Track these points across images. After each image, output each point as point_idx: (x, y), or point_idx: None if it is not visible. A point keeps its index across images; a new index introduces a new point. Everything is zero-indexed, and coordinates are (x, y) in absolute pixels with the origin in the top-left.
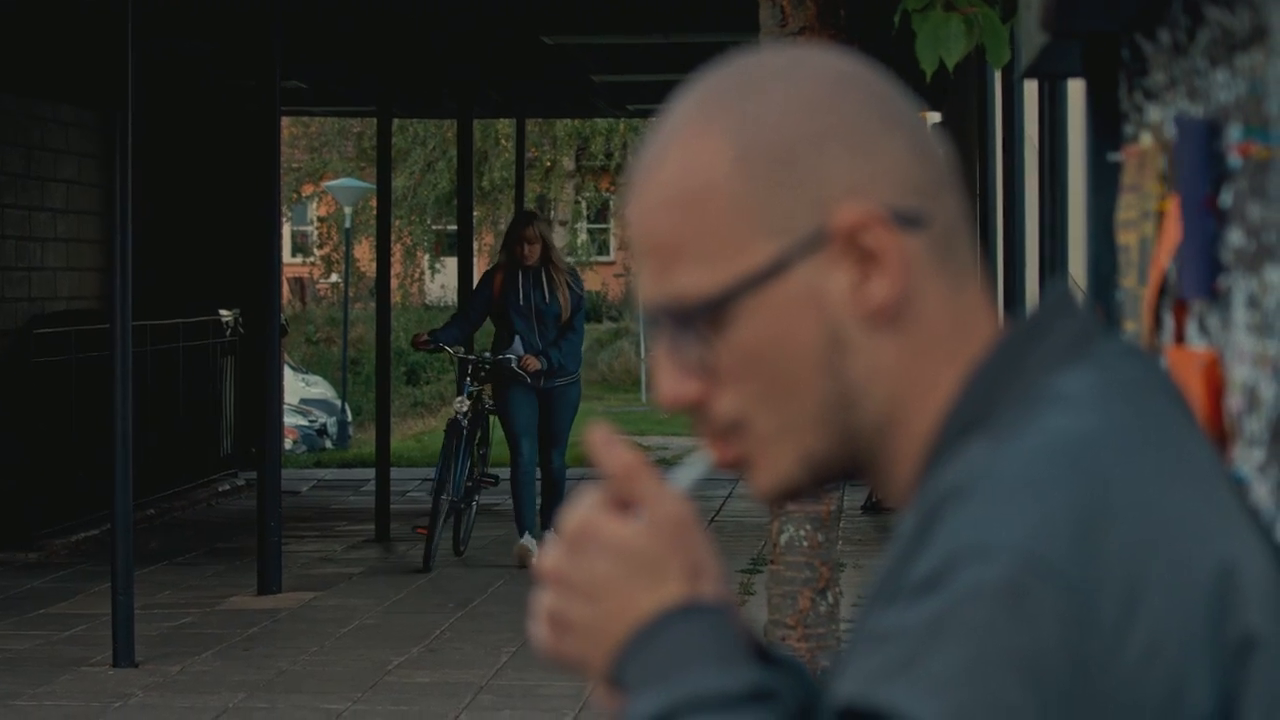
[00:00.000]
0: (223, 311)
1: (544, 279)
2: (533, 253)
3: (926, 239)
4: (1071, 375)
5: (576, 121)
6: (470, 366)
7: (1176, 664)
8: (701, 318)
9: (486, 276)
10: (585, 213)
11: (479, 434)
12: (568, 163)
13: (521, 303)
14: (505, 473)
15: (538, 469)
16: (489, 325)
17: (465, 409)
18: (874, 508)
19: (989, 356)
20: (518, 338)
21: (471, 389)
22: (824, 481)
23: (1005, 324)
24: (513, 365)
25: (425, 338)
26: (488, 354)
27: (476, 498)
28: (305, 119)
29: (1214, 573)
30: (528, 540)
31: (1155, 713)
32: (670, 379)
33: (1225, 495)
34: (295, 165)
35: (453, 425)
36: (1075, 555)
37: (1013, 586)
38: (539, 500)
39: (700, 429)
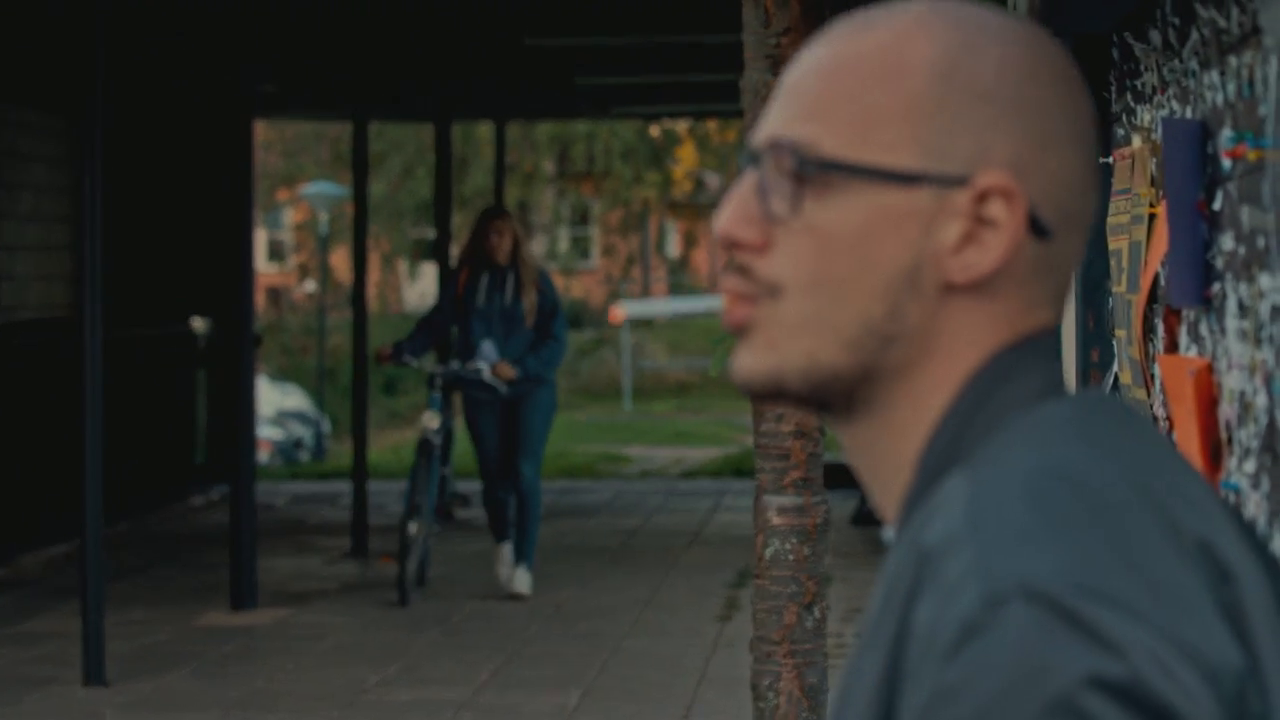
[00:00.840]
0: (195, 321)
1: (511, 279)
2: (502, 246)
3: (1038, 250)
4: (1049, 406)
5: (557, 126)
6: (439, 380)
7: None
8: (815, 173)
9: (450, 276)
10: (567, 218)
11: (445, 455)
12: (549, 167)
13: (483, 304)
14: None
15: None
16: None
17: (436, 426)
18: (864, 520)
19: (966, 391)
20: (487, 342)
21: (442, 403)
22: (804, 399)
23: (984, 362)
24: (485, 376)
25: (389, 352)
26: (456, 364)
27: (439, 526)
28: (280, 123)
29: (1217, 575)
30: (503, 550)
31: None
32: (735, 213)
33: (1221, 515)
34: (270, 170)
35: (423, 445)
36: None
37: (1071, 614)
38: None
39: (727, 277)
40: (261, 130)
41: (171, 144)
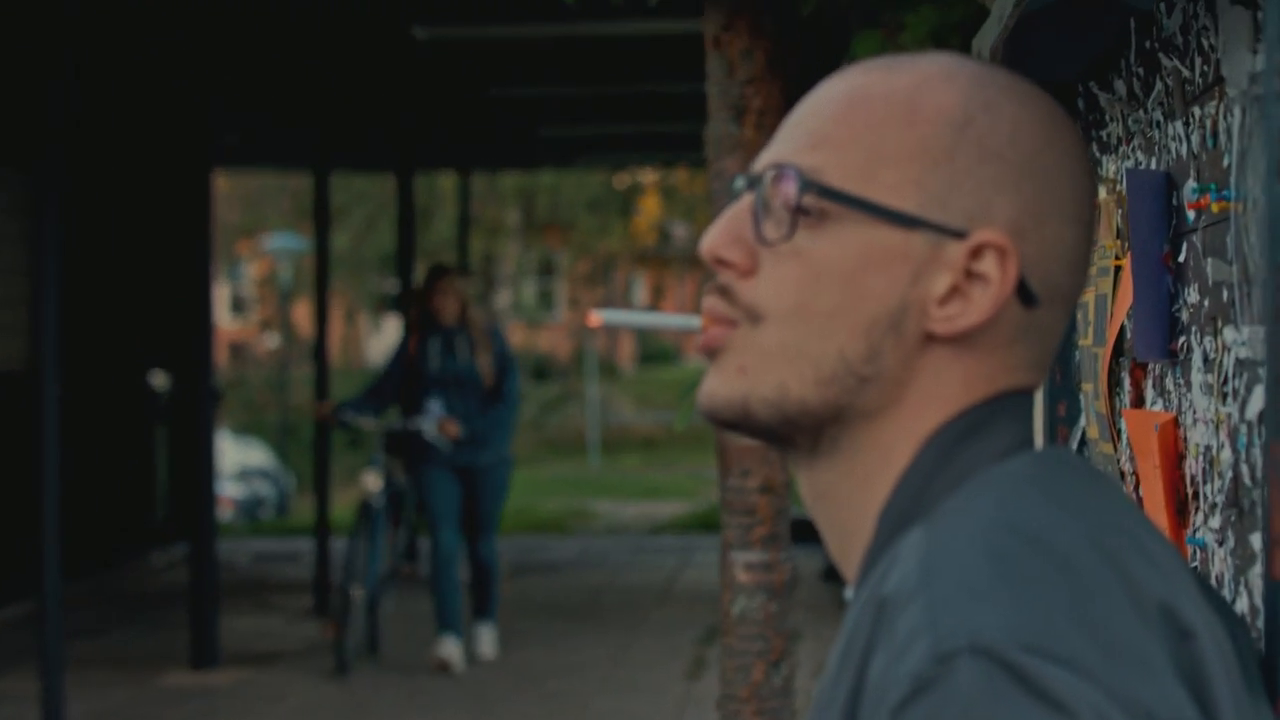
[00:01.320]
0: (155, 375)
1: (462, 341)
2: (447, 308)
3: (1022, 316)
4: (1012, 463)
5: (522, 177)
6: (382, 439)
7: None
8: (815, 199)
9: (401, 344)
10: (533, 270)
11: (397, 517)
12: (513, 218)
13: (436, 369)
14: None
15: (462, 558)
16: None
17: (378, 488)
18: (833, 575)
19: (931, 447)
20: (433, 400)
21: (384, 463)
22: (768, 431)
23: (952, 418)
24: (428, 434)
25: (328, 411)
26: (399, 423)
27: (393, 591)
28: (241, 174)
29: (1178, 635)
30: (448, 643)
31: None
32: (725, 233)
33: (1183, 576)
34: (230, 223)
35: (363, 508)
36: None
37: (1020, 673)
38: (466, 591)
39: (708, 298)
40: (222, 182)
41: (130, 195)
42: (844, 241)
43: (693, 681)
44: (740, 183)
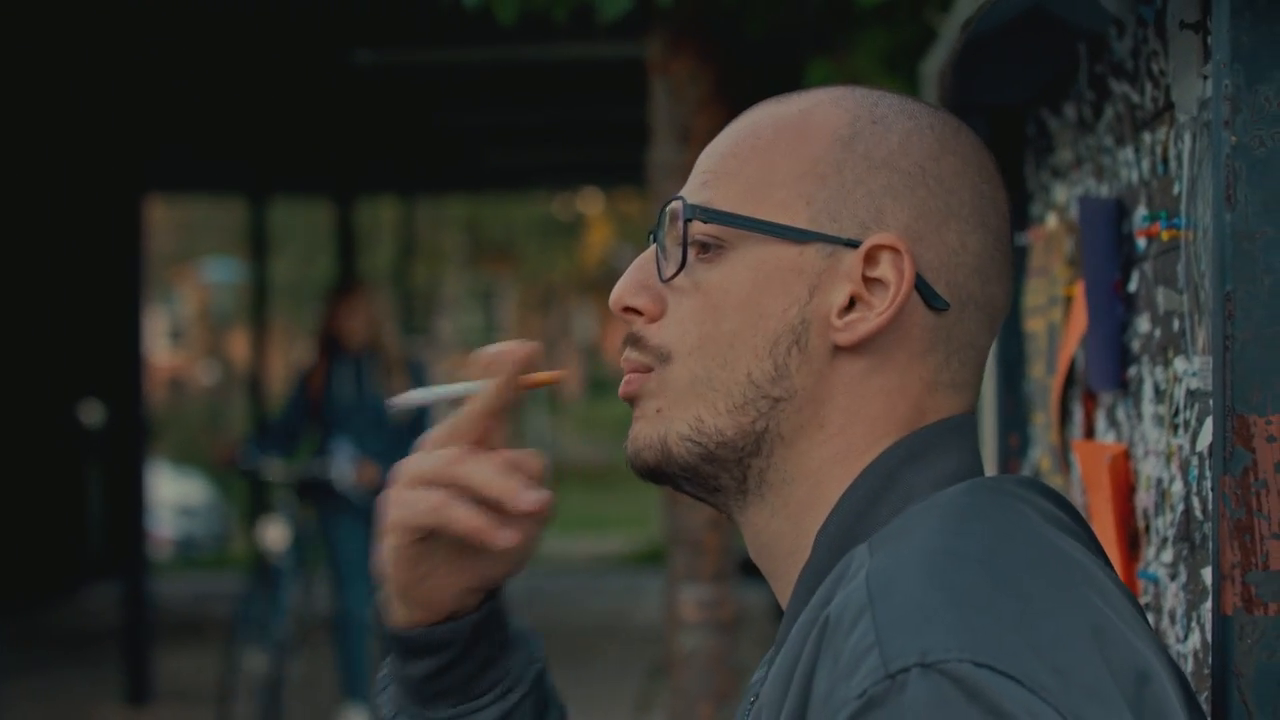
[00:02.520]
0: (87, 408)
1: (373, 369)
2: (354, 332)
3: (933, 322)
4: (958, 492)
5: (466, 204)
6: (286, 486)
7: None
8: (704, 226)
9: (304, 373)
10: (478, 297)
11: (299, 573)
12: (458, 245)
13: (343, 402)
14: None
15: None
16: None
17: (281, 542)
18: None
19: (871, 472)
20: (342, 441)
21: (294, 513)
22: (693, 474)
23: (893, 444)
24: (341, 483)
25: (228, 455)
26: (308, 467)
27: (295, 658)
28: (175, 200)
29: (1136, 671)
30: (355, 714)
31: None
32: (630, 281)
33: (1127, 606)
34: (164, 250)
35: (260, 566)
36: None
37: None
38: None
39: (624, 351)
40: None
41: (59, 222)
42: (739, 266)
43: (640, 717)
44: (648, 235)
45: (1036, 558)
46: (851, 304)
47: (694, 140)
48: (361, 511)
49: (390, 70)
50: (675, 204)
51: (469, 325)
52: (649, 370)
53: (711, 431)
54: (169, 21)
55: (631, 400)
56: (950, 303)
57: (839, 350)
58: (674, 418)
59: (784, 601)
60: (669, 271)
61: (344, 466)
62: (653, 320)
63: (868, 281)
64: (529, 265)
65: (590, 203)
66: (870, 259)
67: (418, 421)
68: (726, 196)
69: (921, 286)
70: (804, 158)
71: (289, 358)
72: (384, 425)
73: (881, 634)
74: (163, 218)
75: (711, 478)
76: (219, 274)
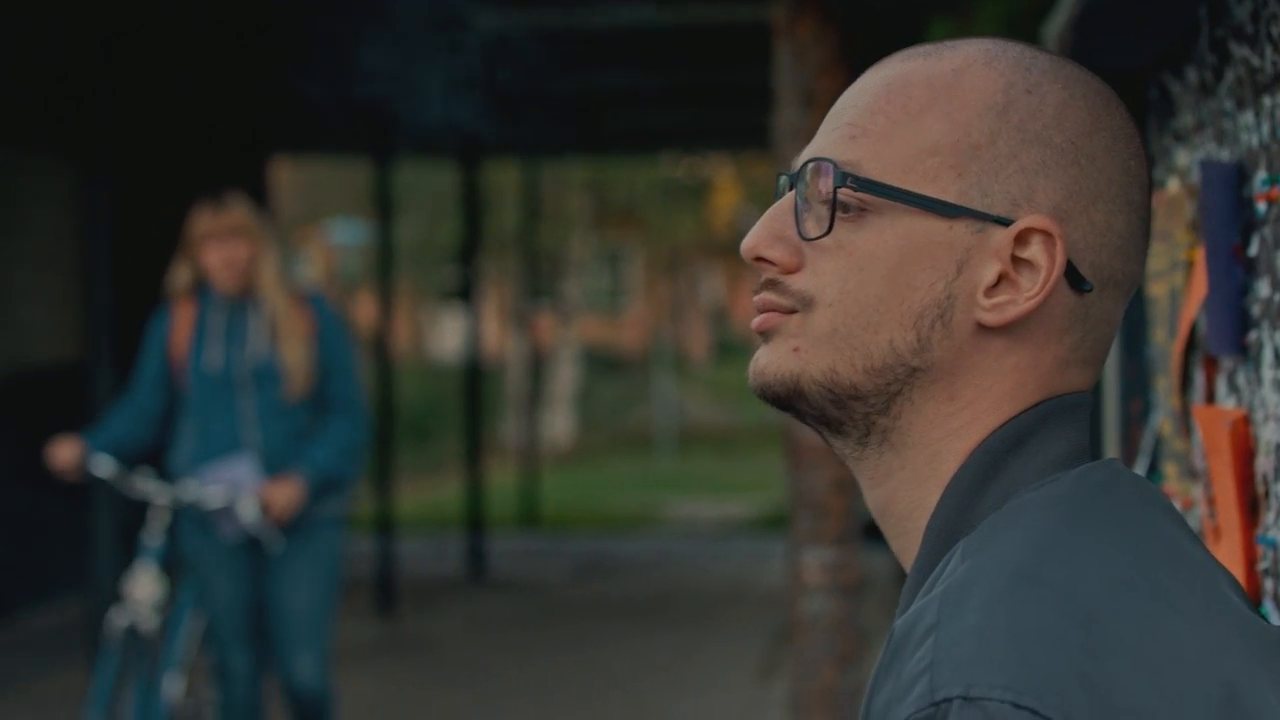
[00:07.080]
0: None
1: (256, 321)
2: (228, 268)
3: (1074, 303)
4: (1056, 488)
5: (591, 168)
6: (162, 518)
7: None
8: (854, 193)
9: (159, 316)
10: (603, 260)
11: (176, 631)
12: (582, 208)
13: (210, 366)
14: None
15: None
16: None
17: (152, 597)
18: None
19: (979, 458)
20: (238, 457)
21: (163, 554)
22: (818, 413)
23: (1003, 424)
24: (246, 518)
25: (70, 456)
26: (188, 486)
27: None
28: (302, 162)
29: (1217, 699)
30: None
31: None
32: (765, 232)
33: (1220, 611)
34: (292, 212)
35: (129, 632)
36: (1073, 698)
37: None
38: None
39: (760, 292)
40: (282, 169)
41: (186, 185)
42: (886, 234)
43: (764, 681)
44: (783, 181)
45: (1122, 575)
46: (997, 281)
47: (817, 104)
48: (238, 545)
49: (515, 33)
50: (824, 164)
51: (596, 288)
52: (790, 312)
53: (846, 385)
54: None
55: (766, 335)
56: (1094, 285)
57: (982, 328)
58: (810, 362)
59: (903, 561)
60: (814, 231)
61: (241, 493)
62: (788, 272)
63: (1016, 261)
64: (654, 228)
65: (717, 166)
66: (1021, 240)
67: (321, 393)
68: (877, 159)
69: (1068, 270)
70: (956, 124)
71: (414, 320)
72: (276, 405)
73: (937, 658)
74: (289, 179)
75: (837, 422)
76: (345, 236)
